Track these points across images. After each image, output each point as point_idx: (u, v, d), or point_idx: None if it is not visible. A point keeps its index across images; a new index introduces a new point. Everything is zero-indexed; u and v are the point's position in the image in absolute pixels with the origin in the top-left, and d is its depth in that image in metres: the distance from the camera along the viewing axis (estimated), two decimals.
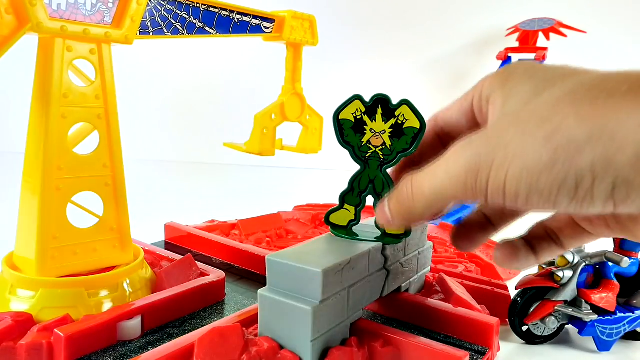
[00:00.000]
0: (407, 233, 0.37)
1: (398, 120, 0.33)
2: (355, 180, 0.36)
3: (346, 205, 0.37)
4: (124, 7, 0.42)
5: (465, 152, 0.23)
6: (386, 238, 0.38)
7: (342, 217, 0.38)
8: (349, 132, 0.35)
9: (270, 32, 0.57)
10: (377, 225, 0.37)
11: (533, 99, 0.22)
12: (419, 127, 0.33)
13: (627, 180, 0.18)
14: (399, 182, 0.27)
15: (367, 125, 0.34)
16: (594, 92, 0.20)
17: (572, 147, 0.19)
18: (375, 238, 0.38)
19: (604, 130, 0.18)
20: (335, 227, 0.38)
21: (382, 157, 0.35)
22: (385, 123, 0.34)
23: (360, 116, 0.34)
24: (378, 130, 0.34)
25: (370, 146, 0.35)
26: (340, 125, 0.35)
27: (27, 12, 0.36)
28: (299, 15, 0.59)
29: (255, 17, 0.54)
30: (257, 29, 0.55)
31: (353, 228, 0.38)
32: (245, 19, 0.52)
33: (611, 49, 1.23)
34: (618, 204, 0.19)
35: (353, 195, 0.37)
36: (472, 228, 0.31)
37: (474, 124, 0.28)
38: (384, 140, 0.34)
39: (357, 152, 0.35)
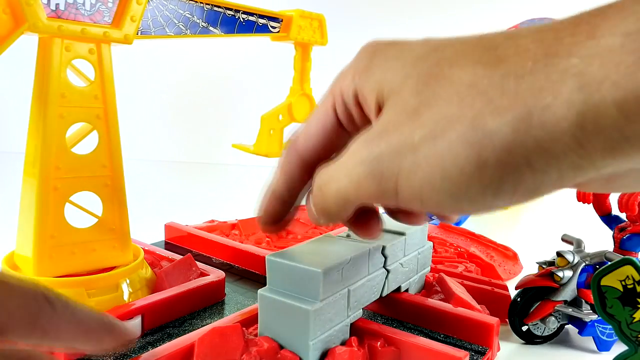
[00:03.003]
0: None
1: None
2: None
3: None
4: (124, 6, 0.42)
5: (362, 153, 0.20)
6: None
7: None
8: (613, 302, 0.29)
9: (278, 31, 0.56)
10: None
11: (423, 89, 0.19)
12: None
13: (577, 159, 0.16)
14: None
15: None
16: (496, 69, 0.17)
17: (496, 142, 0.16)
18: None
19: (528, 117, 0.16)
20: None
21: None
22: None
23: (632, 285, 0.28)
24: None
25: None
26: (601, 293, 0.29)
27: (24, 12, 0.36)
28: (307, 15, 0.58)
29: (261, 16, 0.53)
30: (263, 29, 0.54)
31: None
32: (251, 18, 0.51)
33: None
34: (569, 182, 0.17)
35: None
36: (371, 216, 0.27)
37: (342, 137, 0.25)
38: None
39: (625, 329, 0.29)
